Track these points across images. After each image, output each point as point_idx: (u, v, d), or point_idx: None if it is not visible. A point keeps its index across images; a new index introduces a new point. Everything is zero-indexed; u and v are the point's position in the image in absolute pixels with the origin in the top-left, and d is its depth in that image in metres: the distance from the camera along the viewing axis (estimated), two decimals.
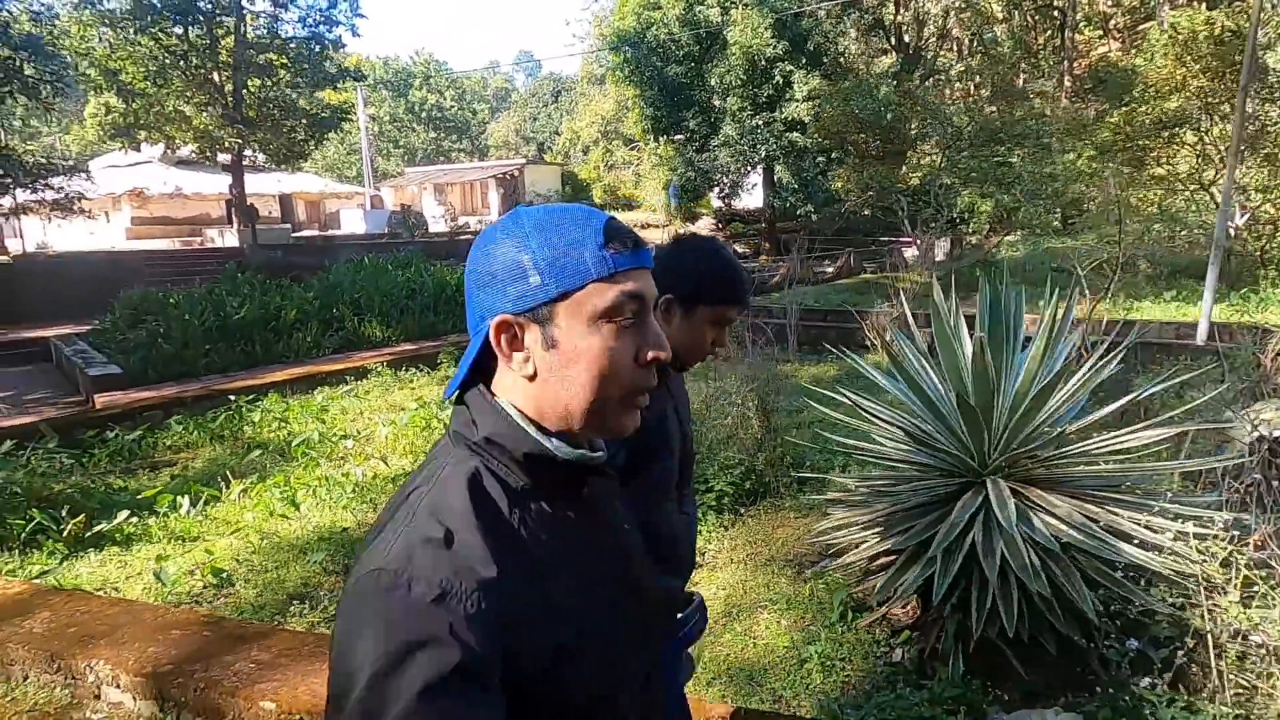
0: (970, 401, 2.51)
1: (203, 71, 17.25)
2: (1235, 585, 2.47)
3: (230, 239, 19.59)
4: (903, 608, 3.07)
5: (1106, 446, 2.61)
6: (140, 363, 8.54)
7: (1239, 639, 2.43)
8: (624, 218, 33.53)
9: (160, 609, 3.03)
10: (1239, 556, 2.52)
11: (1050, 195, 17.53)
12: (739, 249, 23.11)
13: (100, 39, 16.44)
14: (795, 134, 21.49)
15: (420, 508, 0.77)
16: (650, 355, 0.82)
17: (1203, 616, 2.42)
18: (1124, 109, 11.38)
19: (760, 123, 22.00)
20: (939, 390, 2.82)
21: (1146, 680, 2.40)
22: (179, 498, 4.52)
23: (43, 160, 14.97)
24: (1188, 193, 12.19)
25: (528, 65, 72.23)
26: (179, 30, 16.80)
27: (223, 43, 17.53)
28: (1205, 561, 2.47)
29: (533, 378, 0.81)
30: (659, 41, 22.77)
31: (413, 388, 7.80)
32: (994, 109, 22.23)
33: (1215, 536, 2.61)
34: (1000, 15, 29.46)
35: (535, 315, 0.79)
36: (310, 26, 18.94)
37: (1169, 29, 11.98)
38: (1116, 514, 2.43)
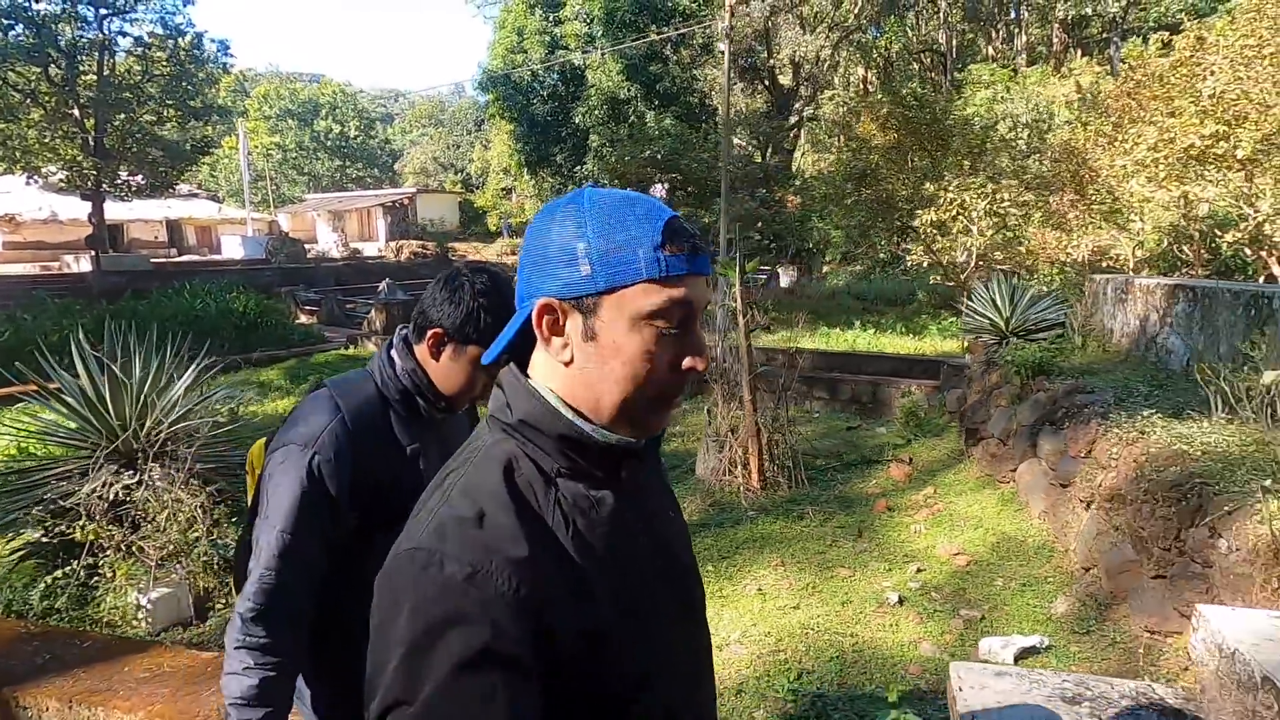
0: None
1: (63, 108, 18.27)
2: None
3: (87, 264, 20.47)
4: None
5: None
6: None
7: None
8: (508, 244, 34.01)
9: None
10: None
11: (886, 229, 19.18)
12: None
13: None
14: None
15: (455, 489, 0.77)
16: (689, 364, 0.80)
17: None
18: (840, 155, 12.81)
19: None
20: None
21: None
22: None
23: None
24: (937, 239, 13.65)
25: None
26: (38, 69, 17.80)
27: (83, 80, 18.55)
28: None
29: (568, 364, 0.80)
30: (525, 82, 24.23)
31: None
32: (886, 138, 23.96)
33: None
34: (894, 54, 31.33)
35: (579, 304, 0.78)
36: (176, 64, 20.13)
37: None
38: None
